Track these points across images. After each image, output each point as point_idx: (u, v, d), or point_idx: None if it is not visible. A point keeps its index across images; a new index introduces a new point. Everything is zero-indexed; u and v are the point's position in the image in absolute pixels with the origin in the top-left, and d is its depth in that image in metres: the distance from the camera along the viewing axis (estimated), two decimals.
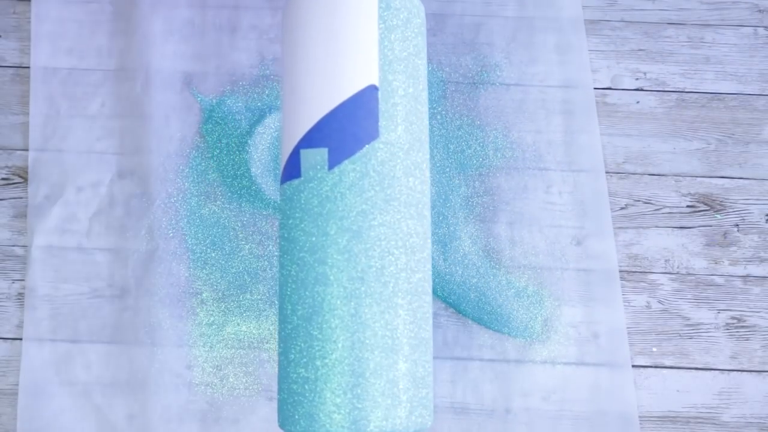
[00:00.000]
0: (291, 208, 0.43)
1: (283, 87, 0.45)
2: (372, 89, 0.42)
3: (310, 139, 0.42)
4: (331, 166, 0.41)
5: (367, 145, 0.41)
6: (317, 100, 0.42)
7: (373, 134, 0.41)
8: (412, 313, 0.42)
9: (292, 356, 0.42)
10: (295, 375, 0.41)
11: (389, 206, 0.42)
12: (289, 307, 0.43)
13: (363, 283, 0.41)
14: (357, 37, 0.42)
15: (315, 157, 0.42)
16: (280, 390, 0.44)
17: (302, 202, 0.43)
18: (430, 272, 0.44)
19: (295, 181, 0.43)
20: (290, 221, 0.43)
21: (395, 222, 0.42)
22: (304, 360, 0.41)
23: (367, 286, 0.41)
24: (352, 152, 0.41)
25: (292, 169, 0.43)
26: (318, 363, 0.40)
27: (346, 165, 0.41)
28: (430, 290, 0.44)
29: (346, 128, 0.42)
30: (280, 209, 0.45)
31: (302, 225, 0.43)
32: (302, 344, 0.41)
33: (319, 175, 0.42)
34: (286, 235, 0.44)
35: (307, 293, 0.42)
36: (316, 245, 0.42)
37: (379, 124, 0.42)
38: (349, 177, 0.41)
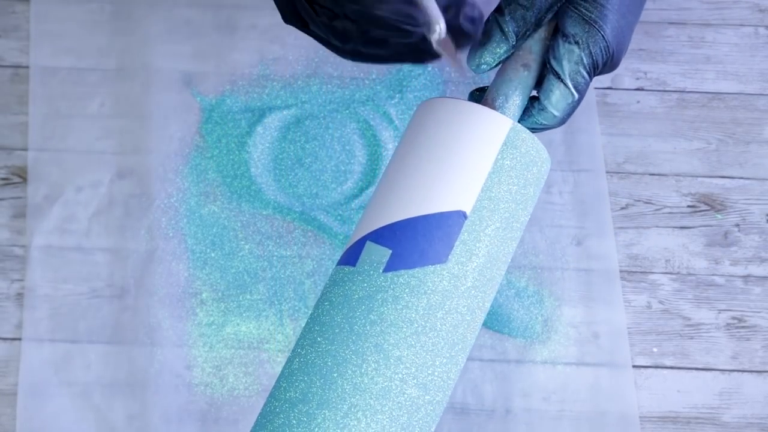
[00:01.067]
0: (332, 292, 0.42)
1: (383, 174, 0.44)
2: (459, 215, 0.40)
3: (380, 235, 0.41)
4: (386, 270, 0.40)
5: (430, 266, 0.39)
6: (405, 202, 0.41)
7: (440, 258, 0.39)
8: None
9: None
10: None
11: (423, 335, 0.39)
12: (284, 385, 0.41)
13: (363, 397, 0.38)
14: (469, 161, 0.41)
15: (377, 254, 0.40)
16: None
17: (344, 290, 0.41)
18: (440, 415, 0.41)
19: (347, 268, 0.41)
20: (326, 303, 0.42)
21: (423, 353, 0.39)
22: None
23: (364, 401, 0.38)
24: (413, 266, 0.39)
25: (351, 256, 0.42)
26: None
27: (401, 275, 0.39)
28: (431, 431, 0.41)
29: (418, 241, 0.40)
30: (325, 287, 0.43)
31: (333, 311, 0.41)
32: (286, 428, 0.39)
33: (371, 272, 0.40)
34: (316, 313, 0.42)
35: (305, 378, 0.39)
36: (337, 337, 0.40)
37: (452, 252, 0.40)
38: (399, 288, 0.39)
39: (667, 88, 0.73)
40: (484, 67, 0.44)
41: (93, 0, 0.74)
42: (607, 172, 0.71)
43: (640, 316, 0.67)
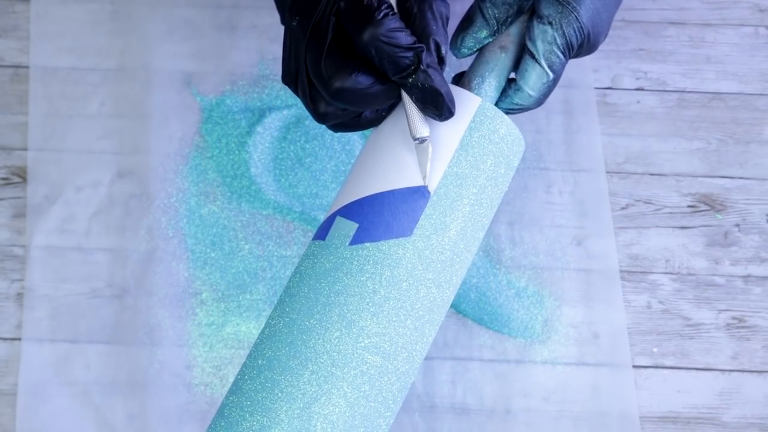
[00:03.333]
0: (303, 265, 0.43)
1: (361, 151, 0.46)
2: (425, 190, 0.41)
3: (349, 210, 0.42)
4: (352, 242, 0.41)
5: (394, 239, 0.41)
6: (375, 178, 0.42)
7: (405, 231, 0.41)
8: (361, 415, 0.40)
9: (232, 399, 0.41)
10: (228, 406, 0.41)
11: (386, 305, 0.40)
12: (254, 353, 0.42)
13: (324, 365, 0.39)
14: (436, 137, 0.42)
15: (345, 228, 0.41)
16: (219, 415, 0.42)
17: (313, 262, 0.42)
18: (406, 386, 0.42)
19: (318, 242, 0.43)
20: (297, 276, 0.43)
21: (386, 323, 0.40)
22: (241, 411, 0.40)
23: (326, 369, 0.39)
24: (378, 239, 0.41)
25: (323, 230, 0.43)
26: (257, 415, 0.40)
27: (366, 248, 0.41)
28: (397, 402, 0.42)
29: (384, 215, 0.41)
30: (299, 261, 0.44)
31: (301, 283, 0.42)
32: (251, 392, 0.40)
33: (338, 245, 0.41)
34: (288, 286, 0.43)
35: (272, 347, 0.41)
36: (303, 308, 0.41)
37: (417, 226, 0.41)
38: (363, 260, 0.41)
39: (667, 88, 0.73)
40: (464, 51, 0.45)
41: (93, 0, 0.74)
42: (607, 172, 0.71)
43: (640, 316, 0.67)
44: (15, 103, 0.71)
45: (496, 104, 0.45)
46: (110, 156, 0.70)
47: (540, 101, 0.44)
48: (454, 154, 0.42)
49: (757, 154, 0.72)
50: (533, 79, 0.43)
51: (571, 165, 0.70)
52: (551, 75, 0.43)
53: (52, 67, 0.72)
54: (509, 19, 0.44)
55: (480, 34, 0.44)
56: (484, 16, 0.44)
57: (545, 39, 0.43)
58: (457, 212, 0.42)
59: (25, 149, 0.70)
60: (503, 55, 0.44)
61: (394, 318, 0.40)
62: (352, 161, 0.70)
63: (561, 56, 0.43)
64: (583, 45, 0.44)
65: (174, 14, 0.74)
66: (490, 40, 0.45)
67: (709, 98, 0.73)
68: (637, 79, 0.73)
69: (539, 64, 0.43)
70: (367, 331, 0.40)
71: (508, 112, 0.45)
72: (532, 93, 0.44)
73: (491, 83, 0.44)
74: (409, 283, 0.41)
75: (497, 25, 0.44)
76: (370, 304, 0.40)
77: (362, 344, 0.40)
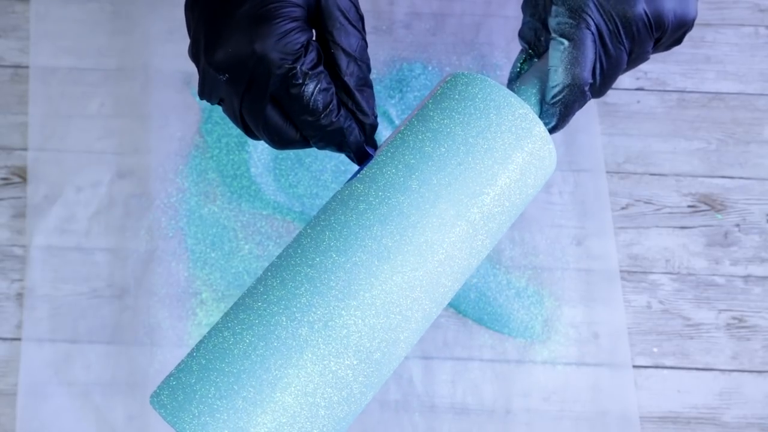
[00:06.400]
0: None
1: None
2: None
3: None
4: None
5: (348, 182, 0.44)
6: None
7: (354, 177, 0.45)
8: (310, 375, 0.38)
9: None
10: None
11: (327, 230, 0.42)
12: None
13: (275, 279, 0.41)
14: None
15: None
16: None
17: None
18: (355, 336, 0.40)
19: None
20: None
21: (323, 250, 0.41)
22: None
23: (274, 278, 0.41)
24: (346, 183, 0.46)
25: None
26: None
27: (341, 189, 0.45)
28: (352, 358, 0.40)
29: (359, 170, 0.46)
30: None
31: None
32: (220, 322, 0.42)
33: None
34: None
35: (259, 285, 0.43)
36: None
37: (361, 171, 0.45)
38: (332, 197, 0.45)
39: (667, 88, 0.73)
40: (513, 76, 0.48)
41: (93, 0, 0.74)
42: (607, 172, 0.71)
43: (640, 316, 0.67)
44: (15, 103, 0.71)
45: (543, 100, 0.46)
46: (110, 156, 0.70)
47: (572, 73, 0.44)
48: (419, 111, 0.45)
49: (757, 154, 0.72)
50: (554, 55, 0.44)
51: (571, 165, 0.70)
52: (565, 42, 0.43)
53: (52, 67, 0.72)
54: (541, 37, 0.46)
55: (518, 61, 0.48)
56: (521, 41, 0.47)
57: (555, 18, 0.44)
58: (391, 159, 0.44)
59: (25, 149, 0.70)
60: (539, 62, 0.47)
61: (334, 243, 0.42)
62: (352, 161, 0.70)
63: (569, 20, 0.43)
64: (601, 5, 0.43)
65: (174, 14, 0.74)
66: (531, 60, 0.48)
67: (709, 98, 0.73)
68: (637, 79, 0.73)
69: (554, 38, 0.44)
70: (309, 253, 0.41)
71: (554, 100, 0.45)
72: (557, 68, 0.44)
73: (522, 80, 0.47)
74: (352, 218, 0.43)
75: (529, 47, 0.47)
76: (325, 229, 0.42)
77: (297, 269, 0.41)
